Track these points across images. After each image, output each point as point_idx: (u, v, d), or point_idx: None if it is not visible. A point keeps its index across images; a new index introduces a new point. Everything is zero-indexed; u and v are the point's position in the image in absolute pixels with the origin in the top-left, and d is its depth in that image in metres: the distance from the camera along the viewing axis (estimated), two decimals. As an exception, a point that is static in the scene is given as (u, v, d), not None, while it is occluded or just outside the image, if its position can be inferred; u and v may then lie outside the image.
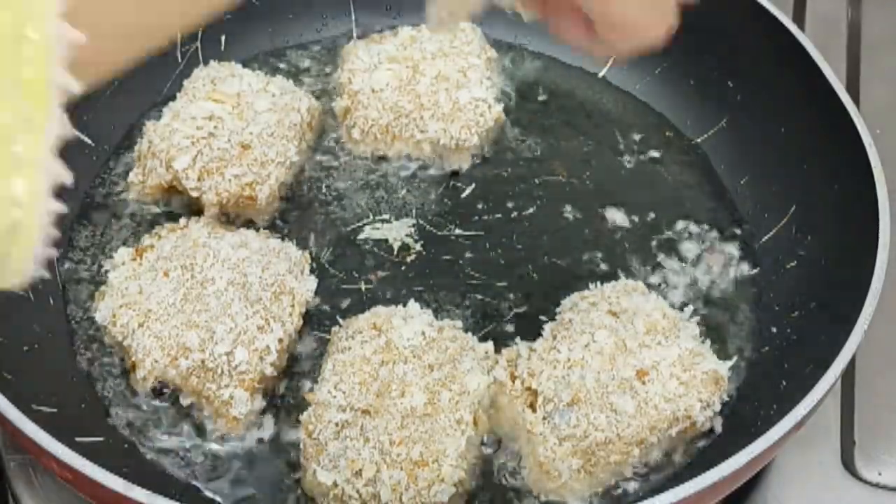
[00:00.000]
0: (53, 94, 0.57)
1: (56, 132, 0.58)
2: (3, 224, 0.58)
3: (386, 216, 1.45)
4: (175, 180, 1.40)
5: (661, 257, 1.43)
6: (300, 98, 1.49)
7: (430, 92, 1.50)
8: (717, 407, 1.23)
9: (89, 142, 1.48)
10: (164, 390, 1.27)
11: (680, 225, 1.46)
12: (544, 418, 1.20)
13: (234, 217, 1.42)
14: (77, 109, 1.52)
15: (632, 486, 1.22)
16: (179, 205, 1.44)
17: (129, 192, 1.45)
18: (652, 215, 1.47)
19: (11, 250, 0.60)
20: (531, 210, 1.47)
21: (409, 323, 1.26)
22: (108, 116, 1.50)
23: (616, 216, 1.47)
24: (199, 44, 1.60)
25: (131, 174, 1.45)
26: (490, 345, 1.28)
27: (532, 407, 1.22)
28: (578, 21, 1.02)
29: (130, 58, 0.71)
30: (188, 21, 0.74)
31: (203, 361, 1.23)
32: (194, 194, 1.39)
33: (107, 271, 1.34)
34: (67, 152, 1.55)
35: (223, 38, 1.62)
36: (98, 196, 1.46)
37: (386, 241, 1.43)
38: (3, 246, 0.59)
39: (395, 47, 1.54)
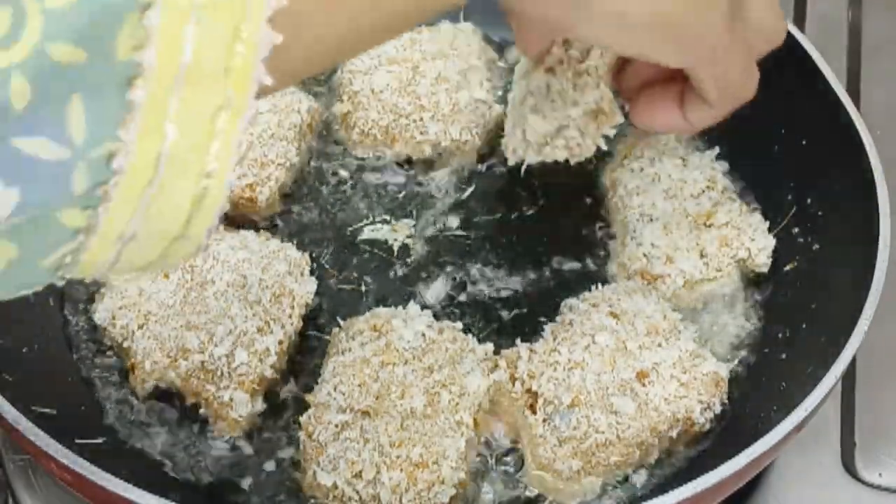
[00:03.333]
0: (253, 85, 0.66)
1: (248, 117, 0.67)
2: (194, 192, 0.67)
3: (386, 217, 1.45)
4: None
5: (661, 258, 1.43)
6: (300, 99, 1.49)
7: (430, 93, 1.49)
8: (718, 408, 1.23)
9: (89, 143, 1.48)
10: (164, 392, 1.26)
11: (680, 225, 1.46)
12: (544, 420, 1.20)
13: (233, 218, 1.42)
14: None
15: (632, 487, 1.22)
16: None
17: None
18: (652, 216, 1.47)
19: (194, 221, 0.69)
20: (532, 210, 1.47)
21: (409, 324, 1.26)
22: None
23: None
24: (198, 45, 1.59)
25: None
26: (490, 346, 1.28)
27: (532, 409, 1.22)
28: (669, 99, 1.09)
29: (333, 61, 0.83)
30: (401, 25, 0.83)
31: (203, 363, 1.23)
32: None
33: (106, 272, 1.34)
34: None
35: (223, 38, 1.61)
36: (97, 197, 1.45)
37: (386, 241, 1.43)
38: (188, 215, 0.68)
39: (395, 48, 1.54)
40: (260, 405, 1.25)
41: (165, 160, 0.66)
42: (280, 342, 1.26)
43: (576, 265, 1.41)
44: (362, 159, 1.50)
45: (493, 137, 1.52)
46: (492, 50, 1.59)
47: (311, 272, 1.35)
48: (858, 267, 1.22)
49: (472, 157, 1.50)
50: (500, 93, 1.56)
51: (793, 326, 1.31)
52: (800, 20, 1.78)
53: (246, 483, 1.22)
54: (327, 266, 1.40)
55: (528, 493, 1.22)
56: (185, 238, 0.71)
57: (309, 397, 1.23)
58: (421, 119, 1.48)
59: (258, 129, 1.42)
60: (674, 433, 1.21)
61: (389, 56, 1.53)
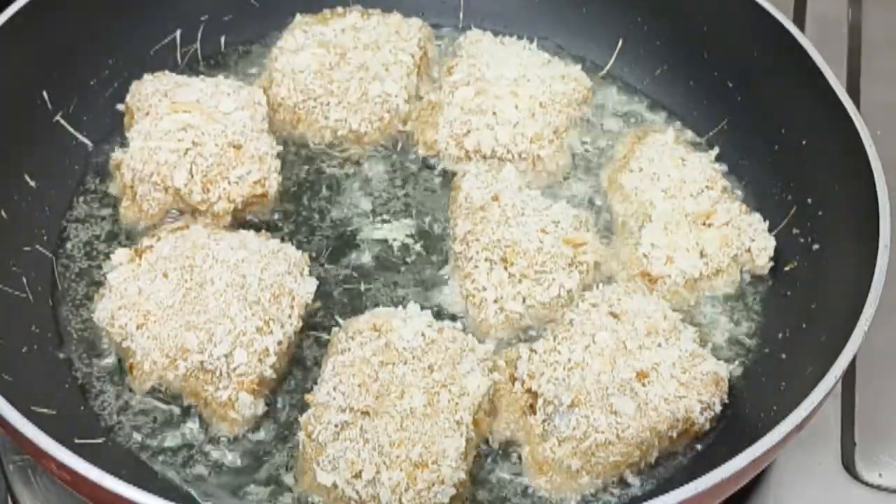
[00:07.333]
0: None
1: None
2: None
3: (386, 216, 1.45)
4: (177, 198, 1.38)
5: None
6: (254, 92, 1.48)
7: (344, 80, 1.48)
8: (718, 408, 1.23)
9: (88, 143, 1.48)
10: (162, 392, 1.26)
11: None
12: (544, 420, 1.20)
13: (239, 218, 1.41)
14: (76, 111, 1.52)
15: (632, 487, 1.22)
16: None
17: (125, 221, 1.41)
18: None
19: None
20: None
21: (409, 324, 1.26)
22: (107, 118, 1.50)
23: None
24: (198, 44, 1.59)
25: (121, 207, 1.41)
26: (490, 346, 1.28)
27: (532, 409, 1.22)
28: None
29: None
30: None
31: (202, 363, 1.22)
32: (202, 207, 1.37)
33: (105, 272, 1.33)
34: (66, 153, 1.54)
35: (223, 38, 1.62)
36: (96, 196, 1.45)
37: (386, 241, 1.43)
38: None
39: (334, 31, 1.53)
40: (261, 406, 1.25)
41: None
42: (279, 342, 1.26)
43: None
44: (361, 159, 1.50)
45: (399, 131, 1.51)
46: (435, 48, 1.58)
47: (311, 272, 1.35)
48: (859, 267, 1.22)
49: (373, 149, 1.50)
50: (417, 90, 1.53)
51: (793, 326, 1.31)
52: (800, 20, 1.78)
53: (244, 482, 1.21)
54: (327, 265, 1.40)
55: (527, 493, 1.21)
56: None
57: (308, 397, 1.23)
58: (327, 104, 1.48)
59: (238, 127, 1.41)
60: (674, 433, 1.21)
61: (323, 39, 1.52)
